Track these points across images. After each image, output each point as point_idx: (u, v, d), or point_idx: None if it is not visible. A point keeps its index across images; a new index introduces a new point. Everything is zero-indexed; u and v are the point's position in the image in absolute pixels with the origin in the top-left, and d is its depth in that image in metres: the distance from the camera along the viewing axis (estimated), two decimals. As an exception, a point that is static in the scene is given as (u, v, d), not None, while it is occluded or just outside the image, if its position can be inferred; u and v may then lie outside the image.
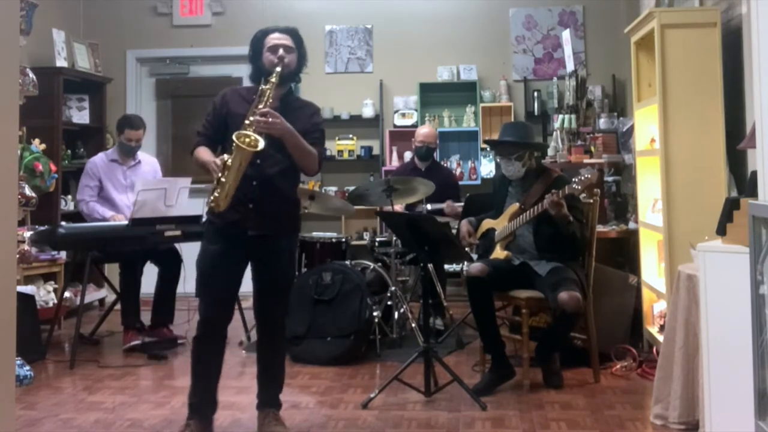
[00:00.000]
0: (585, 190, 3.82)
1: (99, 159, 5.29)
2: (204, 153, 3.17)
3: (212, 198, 2.98)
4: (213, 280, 3.12)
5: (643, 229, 4.59)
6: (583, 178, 3.73)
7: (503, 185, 4.21)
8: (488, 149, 6.64)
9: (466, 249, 4.28)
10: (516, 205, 4.03)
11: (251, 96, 3.15)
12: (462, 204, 5.14)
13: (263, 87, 3.08)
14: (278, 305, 3.27)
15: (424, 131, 5.56)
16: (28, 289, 4.93)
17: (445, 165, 6.58)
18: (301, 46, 3.26)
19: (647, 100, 4.50)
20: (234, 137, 2.96)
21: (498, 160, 4.37)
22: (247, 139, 2.97)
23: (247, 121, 3.02)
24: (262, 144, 2.96)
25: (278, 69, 3.10)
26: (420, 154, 5.52)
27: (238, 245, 3.12)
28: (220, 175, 2.97)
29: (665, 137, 4.11)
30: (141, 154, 5.35)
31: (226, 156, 2.99)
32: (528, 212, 3.91)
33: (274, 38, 3.20)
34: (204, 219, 3.35)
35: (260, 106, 3.03)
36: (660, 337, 3.84)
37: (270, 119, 3.00)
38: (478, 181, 6.70)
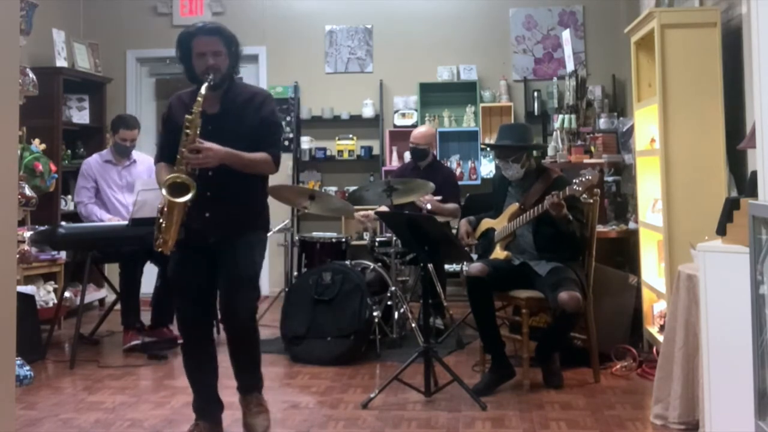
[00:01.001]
0: (586, 192, 3.82)
1: (93, 160, 5.31)
2: (161, 174, 3.10)
3: (158, 242, 2.95)
4: (181, 286, 3.10)
5: (643, 229, 4.59)
6: (584, 179, 3.73)
7: (503, 185, 4.21)
8: (488, 150, 6.64)
9: (465, 249, 4.28)
10: (516, 205, 4.03)
11: (193, 100, 3.01)
12: (453, 206, 5.11)
13: (188, 116, 2.93)
14: (239, 303, 3.04)
15: (415, 132, 5.47)
16: (28, 289, 4.93)
17: (446, 165, 6.57)
18: (232, 44, 3.08)
19: (647, 100, 4.50)
20: (164, 190, 2.88)
21: (497, 162, 4.37)
22: (179, 180, 2.88)
23: (179, 156, 2.92)
24: (191, 193, 2.86)
25: (203, 91, 2.94)
26: (411, 154, 5.51)
27: (200, 250, 3.07)
28: (161, 220, 2.92)
29: (665, 137, 4.11)
30: (135, 153, 5.36)
31: (162, 203, 2.91)
32: (528, 213, 3.91)
33: (200, 44, 3.03)
34: None
35: (189, 139, 2.90)
36: (660, 337, 3.84)
37: (201, 155, 2.89)
38: (478, 181, 6.70)
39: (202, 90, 2.95)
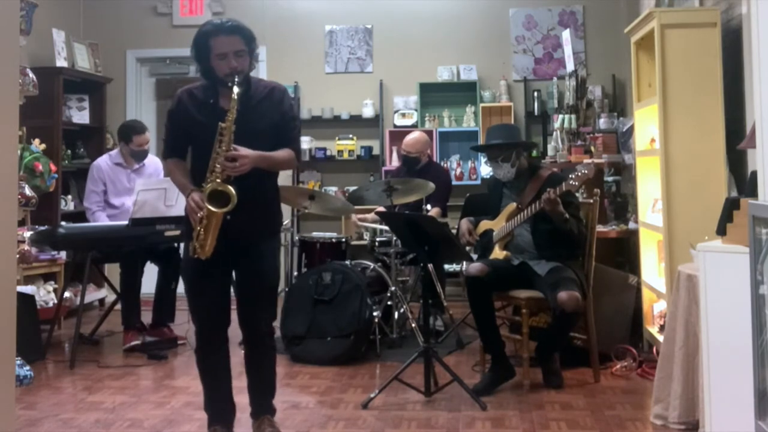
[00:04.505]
0: (582, 186, 3.81)
1: (103, 163, 5.30)
2: (178, 174, 3.06)
3: (196, 249, 2.92)
4: (201, 290, 3.03)
5: (643, 229, 4.59)
6: (579, 173, 3.73)
7: (498, 186, 4.21)
8: (481, 156, 6.63)
9: (466, 248, 4.28)
10: (513, 205, 4.03)
11: (207, 97, 3.02)
12: (435, 210, 5.08)
13: (222, 124, 2.87)
14: (264, 312, 3.13)
15: (407, 139, 5.43)
16: (28, 289, 4.93)
17: (444, 165, 6.54)
18: (252, 42, 3.00)
19: (647, 100, 4.51)
20: (206, 199, 2.85)
21: (488, 164, 4.37)
22: (219, 188, 2.86)
23: (217, 165, 2.87)
24: (233, 202, 2.85)
25: (235, 96, 2.87)
26: (403, 161, 5.48)
27: (220, 252, 2.96)
28: (200, 228, 2.89)
29: (665, 137, 4.11)
30: None
31: (201, 213, 2.87)
32: (525, 211, 3.91)
33: (221, 43, 2.92)
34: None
35: (223, 147, 2.87)
36: (660, 337, 3.84)
37: (238, 163, 2.87)
38: (478, 181, 6.70)
39: (234, 95, 2.88)
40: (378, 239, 5.07)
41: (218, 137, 2.89)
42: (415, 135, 5.53)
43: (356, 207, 5.21)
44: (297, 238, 5.39)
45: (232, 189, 2.87)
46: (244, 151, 2.89)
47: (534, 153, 6.21)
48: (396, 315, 4.75)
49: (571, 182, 3.72)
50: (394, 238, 4.80)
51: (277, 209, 3.23)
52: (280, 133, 3.06)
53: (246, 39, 2.98)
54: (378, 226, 5.11)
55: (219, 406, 3.14)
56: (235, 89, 2.89)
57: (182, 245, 4.92)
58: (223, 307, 3.09)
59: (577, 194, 3.99)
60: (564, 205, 3.80)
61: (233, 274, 3.15)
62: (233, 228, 2.93)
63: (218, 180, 2.88)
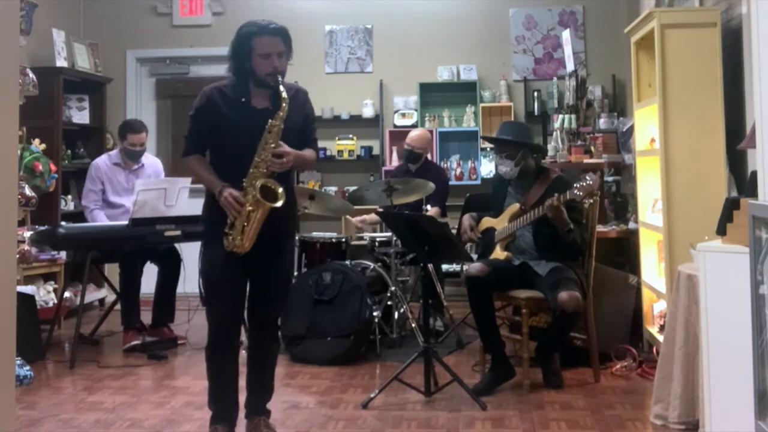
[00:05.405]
0: (586, 196, 3.81)
1: (102, 162, 5.30)
2: (203, 171, 3.09)
3: (235, 243, 2.95)
4: (223, 287, 3.06)
5: (643, 229, 4.59)
6: (584, 184, 3.72)
7: (502, 185, 4.21)
8: (488, 149, 6.64)
9: (467, 244, 4.28)
10: (516, 206, 4.03)
11: (238, 95, 3.06)
12: (435, 210, 5.11)
13: (272, 122, 2.96)
14: (276, 307, 3.22)
15: (412, 134, 5.48)
16: (28, 289, 4.93)
17: (444, 165, 6.55)
18: (290, 44, 3.11)
19: (647, 100, 4.51)
20: (258, 193, 2.91)
21: (494, 157, 4.37)
22: (270, 185, 2.94)
23: (258, 159, 2.95)
24: (282, 198, 2.94)
25: (284, 95, 2.96)
26: (405, 157, 5.49)
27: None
28: (245, 224, 2.94)
29: (665, 137, 4.12)
30: (144, 156, 5.35)
31: (248, 208, 2.92)
32: (529, 214, 3.91)
33: (266, 44, 3.03)
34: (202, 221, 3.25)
35: (271, 142, 2.95)
36: (660, 337, 3.84)
37: (285, 159, 2.96)
38: (478, 181, 6.70)
39: (284, 95, 2.97)
40: (378, 239, 5.07)
41: (266, 134, 2.97)
42: (419, 131, 5.60)
43: (356, 207, 5.21)
44: (297, 238, 5.38)
45: (280, 185, 2.96)
46: (287, 148, 2.98)
47: (536, 155, 6.19)
48: (396, 315, 4.75)
49: (575, 192, 3.71)
50: (394, 238, 4.80)
51: (295, 208, 3.33)
52: (303, 132, 3.16)
53: (286, 41, 3.09)
54: (377, 234, 5.11)
55: (224, 405, 3.15)
56: (283, 89, 3.00)
57: (182, 245, 4.94)
58: (240, 306, 3.15)
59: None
60: (567, 209, 3.80)
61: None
62: (263, 226, 2.99)
63: (259, 176, 2.96)
